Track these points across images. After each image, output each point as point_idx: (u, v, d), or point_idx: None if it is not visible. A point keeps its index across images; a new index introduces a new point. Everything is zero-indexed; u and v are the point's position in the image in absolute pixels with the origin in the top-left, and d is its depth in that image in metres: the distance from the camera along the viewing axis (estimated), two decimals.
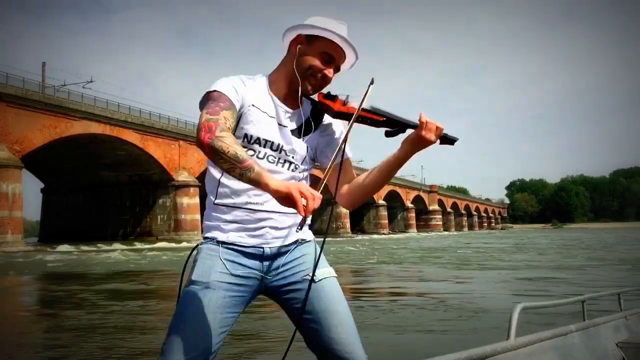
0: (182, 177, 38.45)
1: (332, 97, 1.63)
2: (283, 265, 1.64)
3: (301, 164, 1.67)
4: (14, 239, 26.93)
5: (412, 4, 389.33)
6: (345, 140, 1.61)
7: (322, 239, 1.64)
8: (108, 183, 41.30)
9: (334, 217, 60.32)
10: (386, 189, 73.96)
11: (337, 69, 1.67)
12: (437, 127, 1.58)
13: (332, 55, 1.63)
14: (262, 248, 1.61)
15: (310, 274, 1.62)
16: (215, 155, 1.41)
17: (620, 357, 2.96)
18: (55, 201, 43.68)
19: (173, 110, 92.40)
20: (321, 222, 60.08)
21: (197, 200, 38.52)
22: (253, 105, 1.60)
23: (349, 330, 1.59)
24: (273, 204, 1.54)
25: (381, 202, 72.64)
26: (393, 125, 1.62)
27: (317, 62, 1.62)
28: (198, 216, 38.27)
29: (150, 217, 39.75)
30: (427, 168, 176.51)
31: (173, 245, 31.53)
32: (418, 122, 1.58)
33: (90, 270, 15.59)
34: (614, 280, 10.58)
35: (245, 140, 1.59)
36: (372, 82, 1.58)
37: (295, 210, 1.38)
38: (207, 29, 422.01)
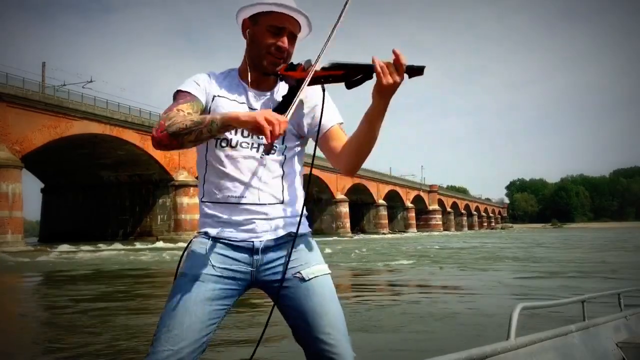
0: (182, 177, 38.44)
1: (294, 67, 1.57)
2: (275, 260, 1.62)
3: (282, 143, 1.64)
4: (14, 239, 26.94)
5: (412, 4, 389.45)
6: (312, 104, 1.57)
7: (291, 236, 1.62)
8: (108, 183, 41.31)
9: (334, 216, 60.29)
10: (386, 188, 73.98)
11: (293, 38, 1.63)
12: (397, 67, 1.44)
13: (279, 27, 1.59)
14: (252, 242, 1.60)
15: (302, 271, 1.61)
16: (179, 136, 1.43)
17: (620, 357, 2.96)
18: (55, 201, 43.65)
19: None
20: (321, 221, 60.15)
21: (197, 200, 37.51)
22: (218, 95, 1.63)
23: (338, 332, 1.57)
24: (253, 197, 1.59)
25: (381, 201, 72.63)
26: (356, 74, 1.52)
27: (266, 39, 1.59)
28: (198, 216, 38.09)
29: (150, 217, 39.73)
30: (427, 168, 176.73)
31: (170, 245, 31.49)
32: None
33: (94, 269, 15.58)
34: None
35: None
36: (346, 0, 1.50)
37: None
38: (208, 27, 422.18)
